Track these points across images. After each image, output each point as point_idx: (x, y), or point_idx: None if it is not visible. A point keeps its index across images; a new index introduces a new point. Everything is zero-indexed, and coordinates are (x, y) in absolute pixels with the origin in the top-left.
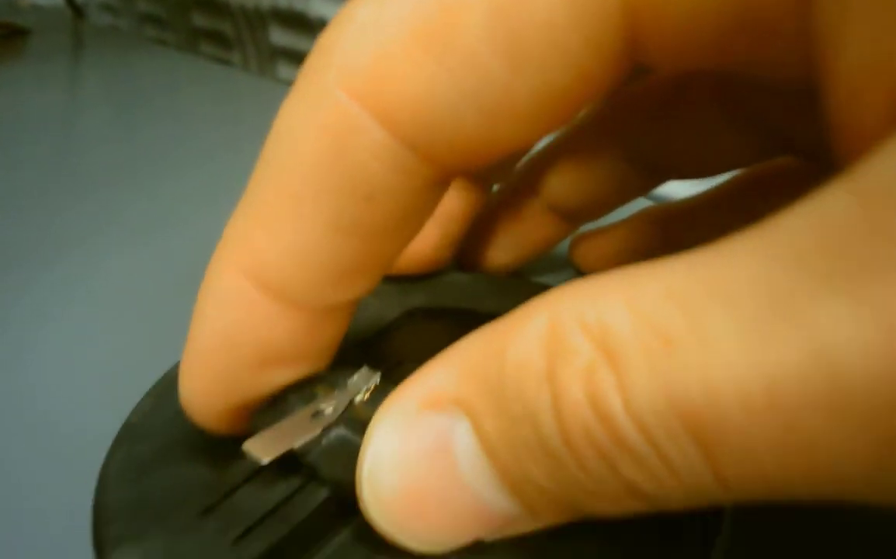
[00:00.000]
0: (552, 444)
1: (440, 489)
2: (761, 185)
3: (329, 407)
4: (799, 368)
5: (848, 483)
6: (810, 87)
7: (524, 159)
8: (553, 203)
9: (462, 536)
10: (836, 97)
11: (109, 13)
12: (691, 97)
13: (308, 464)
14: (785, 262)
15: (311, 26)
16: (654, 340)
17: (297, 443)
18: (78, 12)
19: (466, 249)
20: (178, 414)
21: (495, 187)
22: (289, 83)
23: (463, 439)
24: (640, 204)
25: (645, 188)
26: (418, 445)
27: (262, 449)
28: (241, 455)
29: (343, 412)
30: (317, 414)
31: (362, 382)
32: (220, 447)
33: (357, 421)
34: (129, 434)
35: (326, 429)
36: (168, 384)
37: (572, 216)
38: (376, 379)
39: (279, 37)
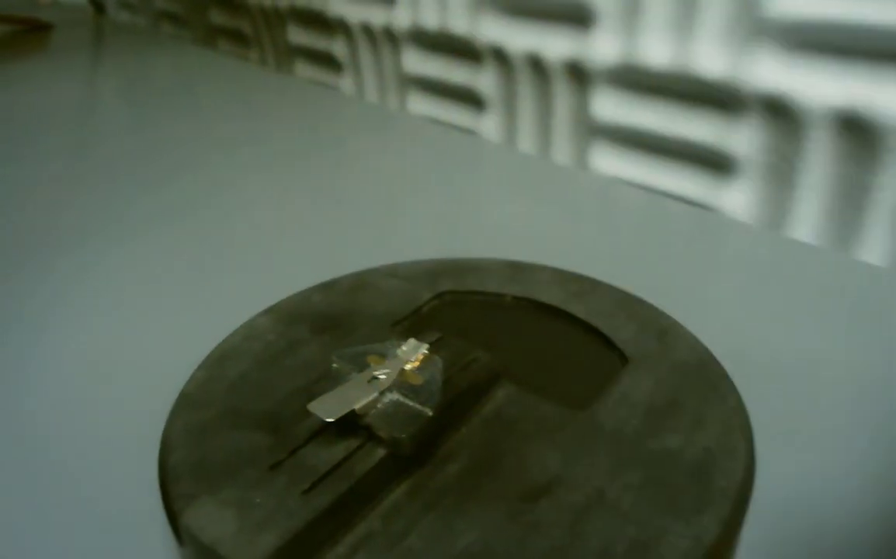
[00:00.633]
0: None
1: None
2: None
3: (383, 373)
4: None
5: None
6: None
7: None
8: None
9: None
10: None
11: (129, 10)
12: None
13: (366, 424)
14: None
15: (329, 25)
16: None
17: (358, 404)
18: (99, 9)
19: None
20: (231, 385)
21: None
22: (306, 81)
23: None
24: None
25: None
26: None
27: (327, 409)
28: (298, 419)
29: (396, 378)
30: (372, 380)
31: (411, 352)
32: (273, 414)
33: (408, 385)
34: (186, 402)
35: (382, 394)
36: (219, 356)
37: None
38: (424, 349)
39: (297, 35)
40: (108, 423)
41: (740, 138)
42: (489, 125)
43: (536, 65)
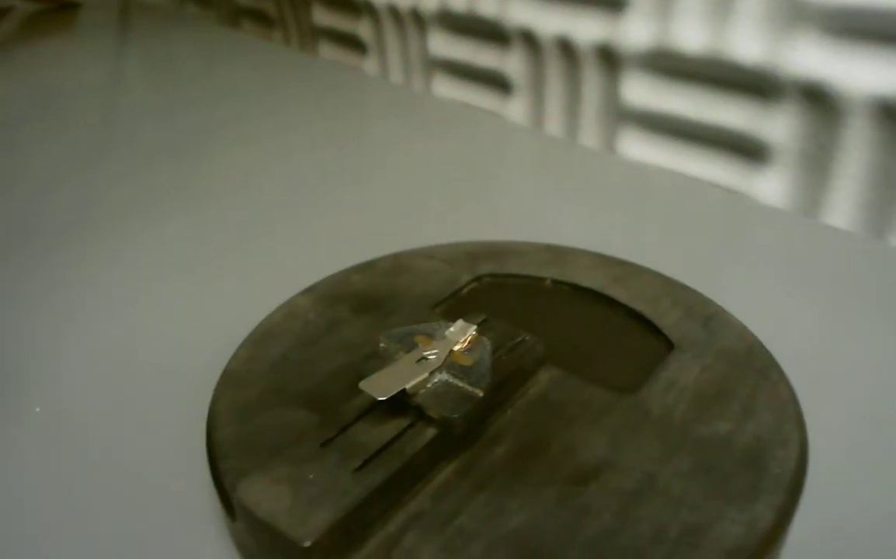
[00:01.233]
0: None
1: None
2: None
3: (432, 354)
4: None
5: None
6: None
7: None
8: None
9: None
10: None
11: None
12: None
13: (416, 404)
14: None
15: (355, 7)
16: None
17: (409, 384)
18: None
19: None
20: (275, 363)
21: None
22: (330, 62)
23: None
24: None
25: None
26: None
27: (378, 388)
28: (345, 397)
29: (446, 359)
30: (421, 360)
31: (460, 333)
32: (318, 393)
33: (458, 366)
34: (230, 380)
35: (432, 374)
36: (261, 335)
37: None
38: (472, 330)
39: (322, 16)
40: (151, 400)
41: (776, 125)
42: (516, 109)
43: (566, 48)
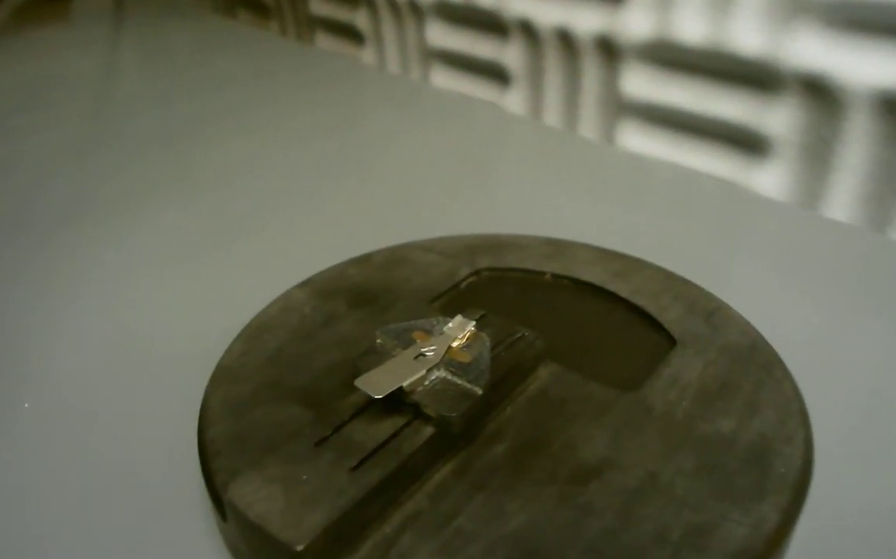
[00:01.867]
0: None
1: None
2: None
3: (430, 350)
4: None
5: None
6: None
7: None
8: None
9: None
10: None
11: None
12: None
13: (413, 402)
14: None
15: None
16: None
17: (406, 381)
18: None
19: None
20: (269, 358)
21: None
22: (327, 52)
23: None
24: None
25: None
26: None
27: (375, 385)
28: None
29: (444, 355)
30: (419, 356)
31: (458, 329)
32: (314, 389)
33: (456, 363)
34: (223, 375)
35: (430, 371)
36: (255, 329)
37: None
38: (471, 326)
39: (319, 6)
40: (142, 394)
41: (776, 118)
42: (514, 101)
43: (565, 39)
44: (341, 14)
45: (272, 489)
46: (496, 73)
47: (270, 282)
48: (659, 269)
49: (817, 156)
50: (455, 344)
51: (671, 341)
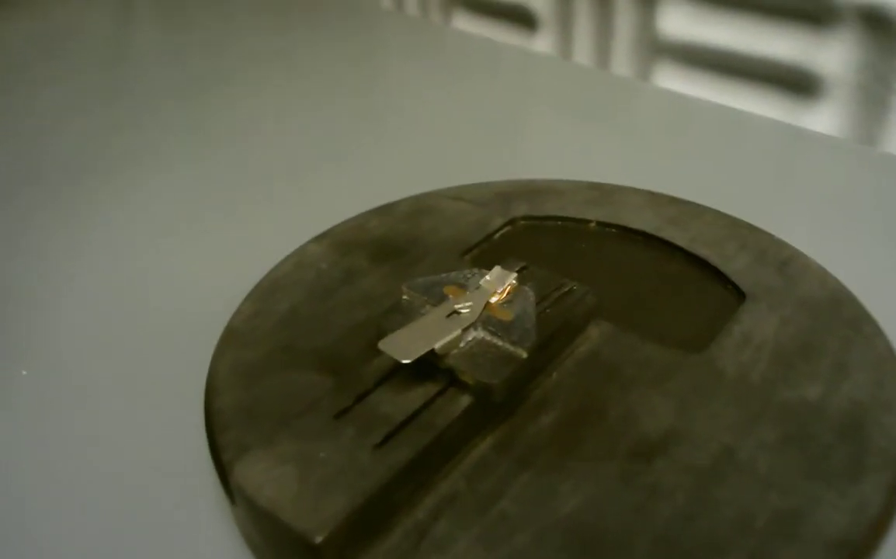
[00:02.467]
0: None
1: None
2: None
3: (465, 307)
4: None
5: None
6: None
7: None
8: None
9: None
10: None
11: None
12: None
13: (447, 367)
14: None
15: None
16: None
17: (439, 343)
18: None
19: None
20: (282, 319)
21: None
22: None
23: None
24: None
25: None
26: None
27: (402, 349)
28: (364, 359)
29: (481, 313)
30: (452, 314)
31: (497, 282)
32: (333, 353)
33: (496, 321)
34: (232, 338)
35: (465, 331)
36: (267, 287)
37: None
38: (511, 278)
39: None
40: (147, 359)
41: (830, 55)
42: (542, 46)
43: None
44: None
45: (285, 469)
46: (522, 17)
47: (285, 237)
48: (720, 214)
49: (874, 96)
50: (494, 299)
51: (740, 295)
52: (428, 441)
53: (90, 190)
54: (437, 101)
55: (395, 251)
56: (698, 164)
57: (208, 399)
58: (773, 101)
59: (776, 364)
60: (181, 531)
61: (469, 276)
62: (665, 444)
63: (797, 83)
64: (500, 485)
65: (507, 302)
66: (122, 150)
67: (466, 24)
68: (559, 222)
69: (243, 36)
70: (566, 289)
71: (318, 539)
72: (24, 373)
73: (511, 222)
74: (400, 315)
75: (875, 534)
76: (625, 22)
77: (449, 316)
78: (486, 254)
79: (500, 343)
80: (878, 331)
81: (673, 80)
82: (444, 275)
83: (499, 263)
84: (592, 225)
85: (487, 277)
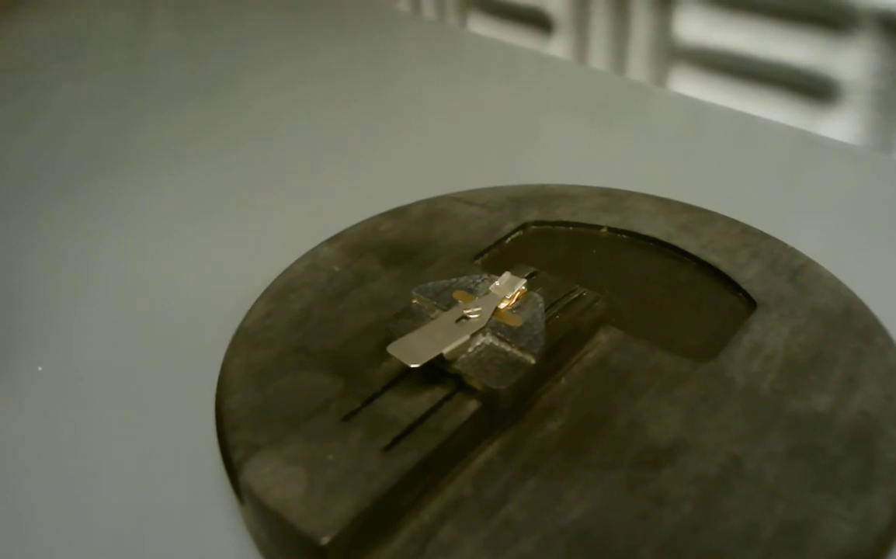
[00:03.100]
0: None
1: None
2: None
3: (474, 312)
4: None
5: None
6: None
7: None
8: None
9: None
10: None
11: None
12: None
13: (455, 372)
14: None
15: None
16: None
17: (447, 348)
18: None
19: None
20: (294, 320)
21: None
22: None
23: None
24: None
25: None
26: None
27: (411, 353)
28: (373, 362)
29: (490, 318)
30: (461, 319)
31: (506, 288)
32: (343, 355)
33: (505, 327)
34: (244, 339)
35: (474, 336)
36: (279, 289)
37: None
38: (521, 284)
39: None
40: (160, 358)
41: (847, 61)
42: (558, 50)
43: None
44: None
45: (294, 470)
46: (538, 21)
47: (298, 238)
48: (732, 222)
49: (892, 103)
50: (503, 305)
51: (751, 304)
52: (435, 445)
53: (104, 188)
54: (452, 104)
55: (406, 254)
56: (712, 170)
57: (219, 399)
58: (789, 107)
59: (786, 374)
60: (190, 528)
61: (478, 281)
62: (672, 453)
63: (814, 89)
64: (506, 491)
65: (516, 308)
66: (136, 149)
67: (482, 27)
68: (570, 228)
69: (259, 37)
70: (576, 295)
71: (325, 540)
72: (40, 368)
73: (522, 227)
74: (409, 319)
75: (883, 547)
76: (641, 26)
77: (458, 321)
78: (497, 258)
79: (508, 349)
80: (890, 343)
81: (689, 85)
82: (453, 280)
83: (509, 268)
84: (604, 231)
85: (497, 283)
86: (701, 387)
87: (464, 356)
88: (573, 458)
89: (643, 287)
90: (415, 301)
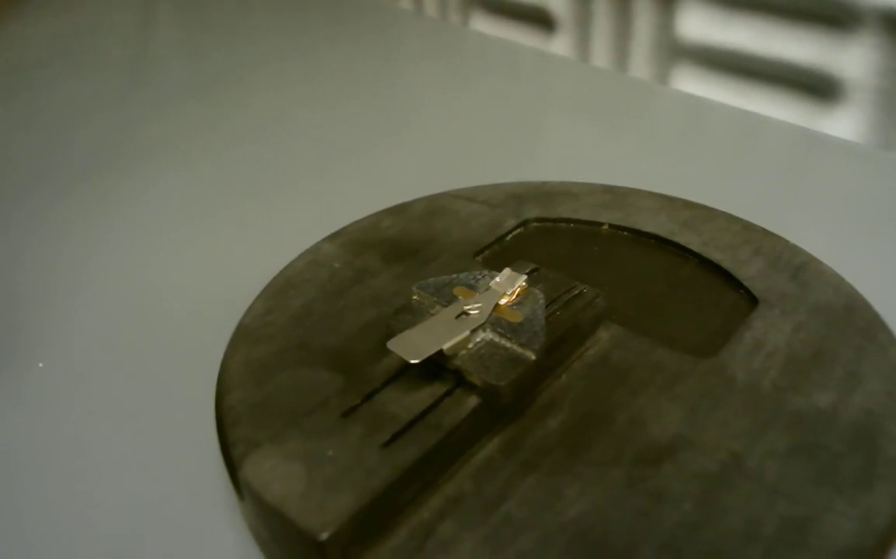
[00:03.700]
0: None
1: None
2: None
3: (474, 308)
4: None
5: None
6: None
7: None
8: None
9: None
10: None
11: None
12: None
13: (455, 367)
14: None
15: None
16: None
17: (447, 344)
18: None
19: None
20: (294, 317)
21: None
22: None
23: None
24: None
25: None
26: None
27: (410, 349)
28: (373, 358)
29: (490, 314)
30: (461, 315)
31: (507, 284)
32: (343, 352)
33: (505, 323)
34: (244, 335)
35: (474, 332)
36: (280, 285)
37: None
38: (521, 280)
39: None
40: (160, 354)
41: (850, 59)
42: (560, 48)
43: None
44: None
45: (293, 467)
46: (540, 19)
47: (298, 235)
48: (734, 219)
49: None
50: (503, 301)
51: (752, 301)
52: (435, 441)
53: (106, 186)
54: (454, 102)
55: (407, 251)
56: (715, 167)
57: (220, 395)
58: (792, 104)
59: (788, 371)
60: (190, 524)
61: (479, 277)
62: (673, 450)
63: (817, 87)
64: (506, 487)
65: (517, 304)
66: (137, 147)
67: (485, 25)
68: (572, 225)
69: (261, 35)
70: (576, 291)
71: (324, 536)
72: (41, 365)
73: (524, 224)
74: (410, 315)
75: (884, 544)
76: (643, 24)
77: (458, 317)
78: (498, 255)
79: (508, 345)
80: (892, 340)
81: (691, 82)
82: (454, 276)
83: (510, 265)
84: (605, 228)
85: (497, 279)
86: (702, 384)
87: (464, 352)
88: (573, 455)
89: (644, 284)
90: (415, 297)
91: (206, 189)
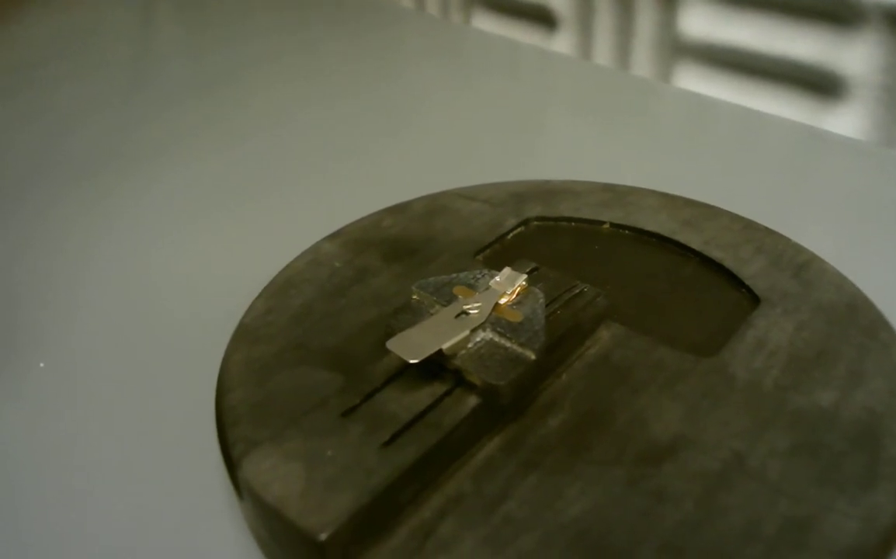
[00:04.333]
0: None
1: None
2: None
3: (474, 308)
4: None
5: None
6: None
7: None
8: None
9: None
10: None
11: None
12: None
13: (455, 367)
14: None
15: None
16: None
17: (447, 343)
18: None
19: None
20: (294, 316)
21: None
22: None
23: None
24: None
25: None
26: None
27: (410, 348)
28: (373, 358)
29: (490, 314)
30: (461, 315)
31: (507, 284)
32: (343, 351)
33: (505, 322)
34: (245, 335)
35: (474, 331)
36: (280, 285)
37: None
38: (521, 279)
39: None
40: (160, 353)
41: (853, 56)
42: (562, 46)
43: None
44: None
45: (293, 466)
46: (542, 17)
47: (299, 234)
48: (736, 217)
49: None
50: (503, 300)
51: (754, 299)
52: (435, 441)
53: (106, 186)
54: (455, 100)
55: (407, 250)
56: (717, 165)
57: (219, 394)
58: (794, 102)
59: (790, 370)
60: (190, 524)
61: (479, 276)
62: (674, 449)
63: (820, 84)
64: (506, 487)
65: (517, 303)
66: (138, 146)
67: (486, 23)
68: (573, 223)
69: (262, 33)
70: (577, 290)
71: (323, 536)
72: (42, 365)
73: (524, 223)
74: (409, 315)
75: (886, 544)
76: (645, 22)
77: (458, 316)
78: (498, 254)
79: (508, 344)
80: (894, 339)
81: (693, 80)
82: (454, 275)
83: (511, 264)
84: (606, 226)
85: (497, 278)
86: (703, 384)
87: (464, 351)
88: (574, 455)
89: (645, 283)
90: (415, 297)
91: (206, 188)
